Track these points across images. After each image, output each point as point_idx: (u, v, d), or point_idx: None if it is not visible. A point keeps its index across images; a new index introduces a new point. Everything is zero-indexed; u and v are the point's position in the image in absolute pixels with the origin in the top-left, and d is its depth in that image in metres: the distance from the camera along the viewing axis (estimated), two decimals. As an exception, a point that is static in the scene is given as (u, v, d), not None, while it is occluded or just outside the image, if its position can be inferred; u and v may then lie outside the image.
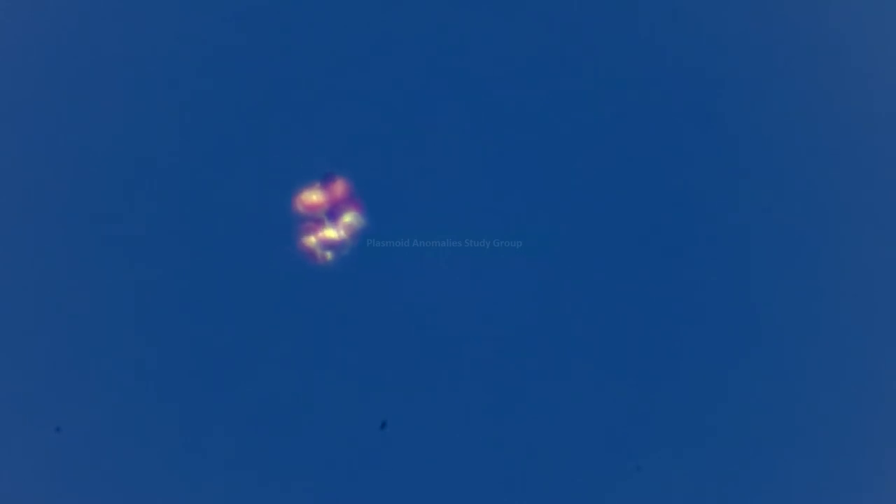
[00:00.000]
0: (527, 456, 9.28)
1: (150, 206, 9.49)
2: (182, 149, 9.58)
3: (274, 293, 9.43)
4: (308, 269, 9.46)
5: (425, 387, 9.35)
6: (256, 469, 9.23)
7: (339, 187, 9.07)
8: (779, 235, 9.55)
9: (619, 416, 9.32)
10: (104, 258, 9.41)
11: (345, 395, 9.34)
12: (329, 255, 8.92)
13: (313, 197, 9.09)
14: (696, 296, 9.46)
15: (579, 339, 9.41)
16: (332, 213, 9.19)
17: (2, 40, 9.64)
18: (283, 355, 9.37)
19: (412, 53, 9.73)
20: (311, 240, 9.10)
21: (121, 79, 9.64)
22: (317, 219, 9.10)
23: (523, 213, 9.55)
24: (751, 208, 9.58)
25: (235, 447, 9.24)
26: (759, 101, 9.69)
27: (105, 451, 9.20)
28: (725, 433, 9.31)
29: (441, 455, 9.28)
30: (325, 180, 8.65)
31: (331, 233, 9.10)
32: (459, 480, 9.26)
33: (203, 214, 9.50)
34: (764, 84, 9.71)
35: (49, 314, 9.32)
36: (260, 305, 9.41)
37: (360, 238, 9.24)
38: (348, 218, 9.10)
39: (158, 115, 9.60)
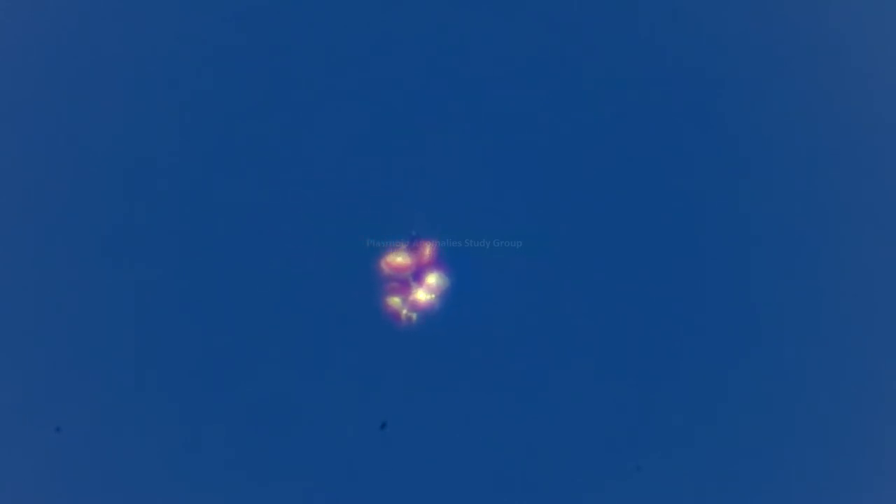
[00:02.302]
0: (526, 456, 9.29)
1: (150, 206, 9.49)
2: (182, 149, 9.58)
3: (273, 293, 9.43)
4: (308, 269, 9.47)
5: (425, 387, 9.36)
6: (256, 469, 9.23)
7: (425, 249, 9.12)
8: (779, 235, 9.55)
9: (619, 416, 9.32)
10: (104, 258, 9.42)
11: (345, 395, 9.34)
12: (414, 316, 8.99)
13: (399, 259, 9.14)
14: (696, 296, 9.46)
15: (579, 339, 9.41)
16: (418, 275, 9.25)
17: (2, 40, 9.64)
18: (283, 355, 9.37)
19: (412, 53, 9.73)
20: (396, 300, 9.16)
21: (121, 79, 9.65)
22: (402, 280, 9.17)
23: (523, 213, 9.56)
24: (751, 208, 9.58)
25: (235, 447, 9.24)
26: (759, 101, 9.70)
27: (105, 451, 9.21)
28: (725, 433, 9.31)
29: (441, 455, 9.29)
30: (412, 243, 8.70)
31: (417, 294, 9.17)
32: (459, 480, 9.26)
33: (203, 214, 9.50)
34: (764, 84, 9.71)
35: (49, 314, 9.32)
36: (260, 306, 9.41)
37: (444, 299, 9.32)
38: (433, 279, 9.15)
39: (158, 115, 9.60)
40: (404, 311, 9.14)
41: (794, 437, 9.31)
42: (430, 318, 9.23)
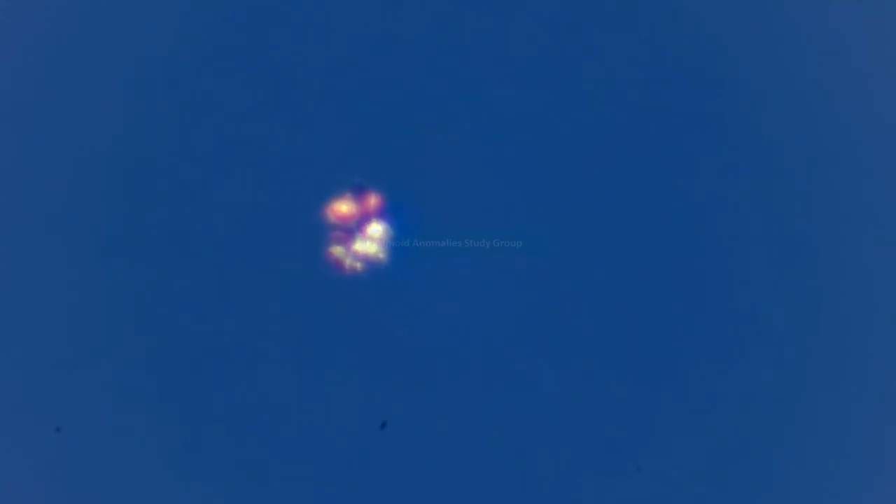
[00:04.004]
0: (527, 456, 9.29)
1: (151, 206, 9.49)
2: (182, 149, 9.58)
3: (273, 293, 9.43)
4: (307, 269, 9.47)
5: (425, 387, 9.36)
6: (256, 469, 9.23)
7: (371, 199, 9.07)
8: (779, 236, 9.55)
9: (619, 416, 9.32)
10: (104, 258, 9.42)
11: (345, 395, 9.34)
12: (358, 265, 8.92)
13: (343, 208, 9.08)
14: (696, 296, 9.46)
15: (579, 339, 9.41)
16: (362, 225, 9.18)
17: (2, 40, 9.64)
18: (284, 355, 9.37)
19: (412, 53, 9.73)
20: (340, 250, 9.09)
21: (121, 79, 9.65)
22: (347, 229, 9.10)
23: (523, 213, 9.56)
24: (751, 208, 9.58)
25: (235, 447, 9.25)
26: (759, 101, 9.70)
27: (105, 451, 9.21)
28: (725, 433, 9.31)
29: (441, 455, 9.29)
30: (357, 191, 8.65)
31: (361, 244, 9.10)
32: (459, 480, 9.27)
33: (203, 214, 9.51)
34: (764, 84, 9.71)
35: (49, 314, 9.32)
36: (260, 306, 9.41)
37: (388, 249, 9.24)
38: (376, 230, 9.09)
39: (158, 115, 9.60)
40: (348, 261, 9.08)
41: (794, 437, 9.32)
42: (375, 268, 9.19)
